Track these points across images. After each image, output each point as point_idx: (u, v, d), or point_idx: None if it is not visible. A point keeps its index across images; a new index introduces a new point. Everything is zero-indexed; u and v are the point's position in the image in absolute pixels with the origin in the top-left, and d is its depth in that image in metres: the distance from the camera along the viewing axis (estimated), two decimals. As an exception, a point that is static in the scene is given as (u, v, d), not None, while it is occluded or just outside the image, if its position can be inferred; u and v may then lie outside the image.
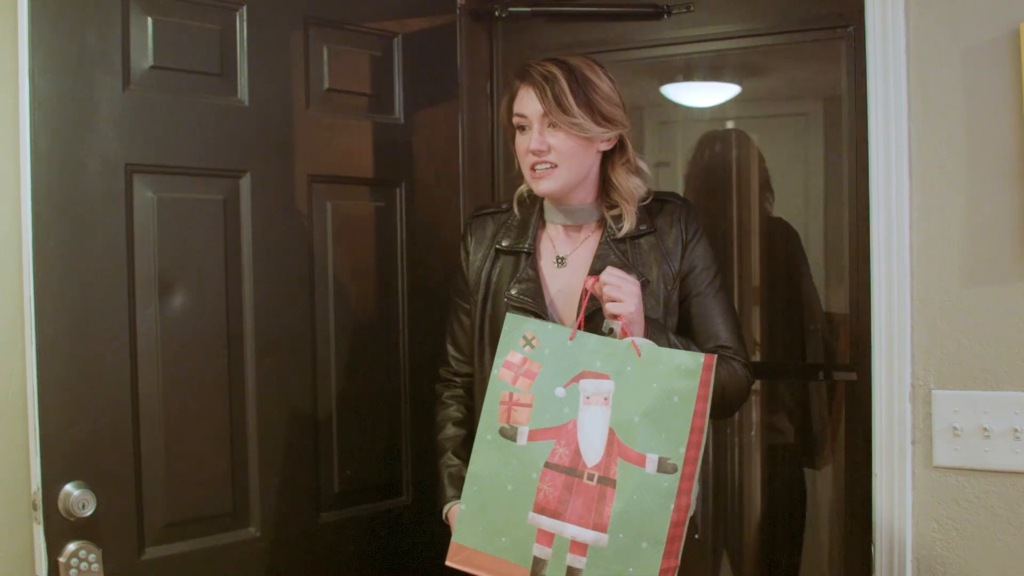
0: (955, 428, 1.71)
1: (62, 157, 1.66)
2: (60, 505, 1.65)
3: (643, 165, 1.80)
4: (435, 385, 1.94)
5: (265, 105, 1.92)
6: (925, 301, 1.74)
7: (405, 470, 2.15)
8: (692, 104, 2.52)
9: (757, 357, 2.39)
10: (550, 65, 1.70)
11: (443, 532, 2.07)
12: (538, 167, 1.70)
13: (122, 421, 1.73)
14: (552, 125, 1.68)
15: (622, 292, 1.59)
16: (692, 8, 2.18)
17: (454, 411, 1.88)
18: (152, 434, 1.77)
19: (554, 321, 1.71)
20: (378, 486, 2.12)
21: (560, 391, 1.56)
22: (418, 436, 2.15)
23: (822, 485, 2.27)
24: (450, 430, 1.87)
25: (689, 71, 2.45)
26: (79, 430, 1.68)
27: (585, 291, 1.61)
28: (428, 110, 2.21)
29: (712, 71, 2.41)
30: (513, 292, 1.75)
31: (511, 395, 1.57)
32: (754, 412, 2.51)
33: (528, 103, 1.70)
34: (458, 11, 2.27)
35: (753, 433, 2.49)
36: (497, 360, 1.60)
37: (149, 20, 1.77)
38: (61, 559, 1.64)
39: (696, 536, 1.73)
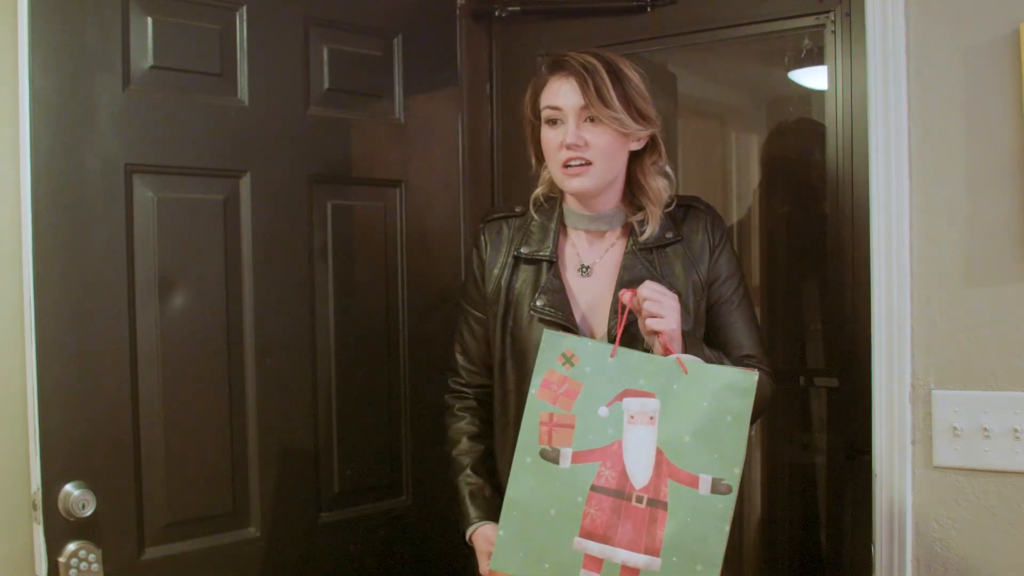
0: (955, 428, 1.71)
1: (62, 157, 1.66)
2: (60, 505, 1.65)
3: (669, 170, 1.74)
4: (445, 396, 1.85)
5: (265, 105, 1.92)
6: (925, 301, 1.74)
7: (405, 470, 2.15)
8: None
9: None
10: (587, 56, 1.62)
11: (443, 532, 2.08)
12: (572, 163, 1.61)
13: (122, 421, 1.73)
14: (590, 119, 1.60)
15: (663, 307, 1.52)
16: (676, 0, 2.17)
17: (467, 424, 1.79)
18: (152, 434, 1.77)
19: (583, 334, 1.64)
20: (378, 486, 2.12)
21: (603, 411, 1.49)
22: (418, 436, 2.15)
23: (822, 485, 2.27)
24: (465, 444, 1.78)
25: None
26: (79, 430, 1.68)
27: (623, 305, 1.54)
28: (428, 110, 2.21)
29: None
30: (539, 303, 1.67)
31: (551, 416, 1.50)
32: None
33: (565, 94, 1.61)
34: (458, 11, 2.27)
35: (753, 433, 2.49)
36: (535, 379, 1.53)
37: (149, 20, 1.77)
38: (61, 559, 1.64)
39: None
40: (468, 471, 1.75)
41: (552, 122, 1.64)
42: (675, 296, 1.56)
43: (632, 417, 1.49)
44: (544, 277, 1.69)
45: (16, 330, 1.67)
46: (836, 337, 2.00)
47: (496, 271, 1.74)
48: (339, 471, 2.04)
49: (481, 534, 1.68)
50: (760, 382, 1.60)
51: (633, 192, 1.71)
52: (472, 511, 1.71)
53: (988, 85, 1.68)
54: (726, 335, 1.71)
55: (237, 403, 1.89)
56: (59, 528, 1.65)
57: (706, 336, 1.71)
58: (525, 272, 1.72)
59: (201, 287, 1.84)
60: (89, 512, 1.66)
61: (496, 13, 2.32)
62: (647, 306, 1.53)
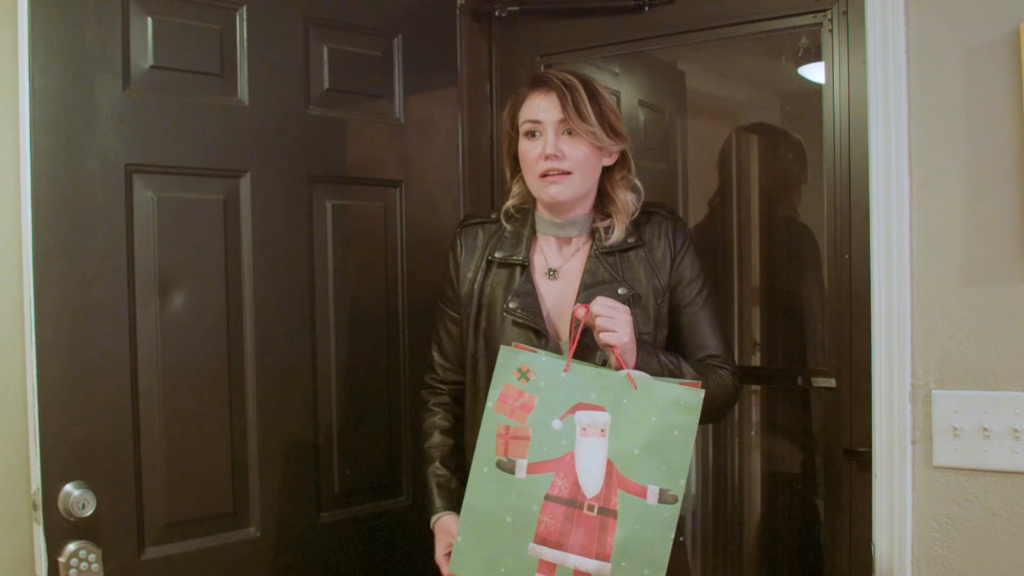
0: (955, 428, 1.71)
1: (62, 157, 1.66)
2: (60, 505, 1.65)
3: (638, 183, 1.82)
4: (420, 391, 1.92)
5: (265, 105, 1.92)
6: (925, 301, 1.74)
7: (405, 470, 2.15)
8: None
9: (756, 361, 2.39)
10: (565, 74, 1.72)
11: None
12: (551, 172, 1.69)
13: (122, 421, 1.73)
14: (569, 132, 1.69)
15: (615, 322, 1.59)
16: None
17: (440, 419, 1.86)
18: (152, 434, 1.77)
19: (550, 335, 1.72)
20: (378, 486, 2.12)
21: (557, 423, 1.57)
22: (418, 436, 2.14)
23: (821, 485, 2.27)
24: (437, 438, 1.85)
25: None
26: (79, 430, 1.68)
27: (577, 320, 1.61)
28: (428, 110, 2.21)
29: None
30: (512, 306, 1.74)
31: (508, 428, 1.58)
32: (754, 412, 2.51)
33: (545, 108, 1.70)
34: (458, 11, 2.27)
35: (753, 433, 2.49)
36: (492, 392, 1.60)
37: (149, 20, 1.77)
38: (61, 559, 1.64)
39: (681, 539, 1.75)
40: (437, 463, 1.83)
41: (531, 135, 1.73)
42: (627, 310, 1.63)
43: (584, 429, 1.57)
44: (517, 281, 1.77)
45: (16, 330, 1.67)
46: (836, 337, 1.99)
47: (470, 274, 1.82)
48: (339, 471, 2.04)
49: (442, 524, 1.76)
50: (723, 382, 1.73)
51: (603, 203, 1.80)
52: (437, 501, 1.79)
53: (988, 85, 1.68)
54: (690, 336, 1.78)
55: (237, 403, 1.89)
56: (59, 528, 1.65)
57: (671, 337, 1.79)
58: (498, 275, 1.80)
59: (201, 287, 1.84)
60: (89, 512, 1.66)
61: (496, 13, 2.32)
62: (599, 322, 1.60)
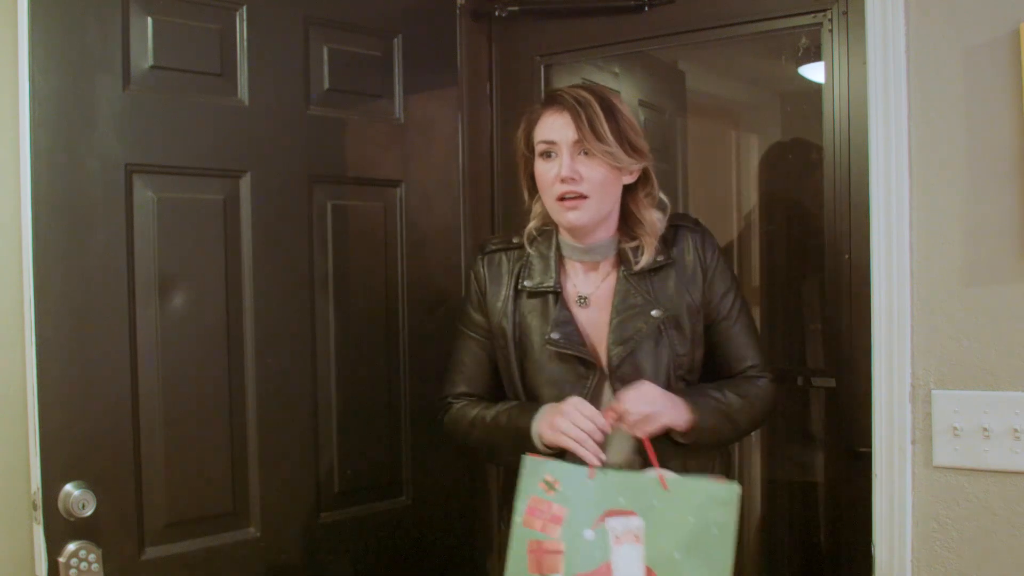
0: (955, 428, 1.71)
1: (62, 157, 1.66)
2: (60, 505, 1.65)
3: (664, 198, 1.75)
4: (441, 418, 1.82)
5: (265, 105, 1.92)
6: (925, 301, 1.74)
7: (405, 470, 2.15)
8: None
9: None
10: (580, 91, 1.65)
11: (443, 532, 2.08)
12: (568, 196, 1.63)
13: (122, 421, 1.73)
14: (585, 153, 1.62)
15: (648, 421, 1.56)
16: None
17: (470, 404, 1.77)
18: (152, 434, 1.77)
19: (596, 366, 1.66)
20: (378, 486, 2.12)
21: (589, 533, 1.49)
22: (418, 436, 2.15)
23: (821, 485, 2.27)
24: (476, 409, 1.74)
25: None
26: (79, 430, 1.68)
27: (612, 425, 1.56)
28: (428, 110, 2.21)
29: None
30: (555, 336, 1.67)
31: (539, 543, 1.50)
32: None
33: (559, 128, 1.63)
34: (458, 11, 2.27)
35: (753, 433, 2.49)
36: (518, 506, 1.54)
37: (149, 20, 1.77)
38: (61, 559, 1.64)
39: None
40: (494, 409, 1.72)
41: (546, 155, 1.66)
42: (657, 394, 1.59)
43: (618, 537, 1.50)
44: (553, 309, 1.70)
45: (16, 330, 1.67)
46: (835, 337, 1.99)
47: (499, 304, 1.76)
48: (339, 471, 2.04)
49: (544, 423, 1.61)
50: (764, 394, 1.71)
51: (628, 224, 1.73)
52: (523, 415, 1.66)
53: (988, 85, 1.68)
54: (728, 350, 1.75)
55: (237, 403, 1.89)
56: (59, 528, 1.65)
57: (708, 350, 1.75)
58: (530, 304, 1.73)
59: (201, 287, 1.84)
60: (89, 512, 1.66)
61: (496, 13, 2.32)
62: (630, 419, 1.56)
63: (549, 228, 1.76)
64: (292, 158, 1.97)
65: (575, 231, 1.70)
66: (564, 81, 2.37)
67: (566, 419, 1.57)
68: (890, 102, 1.75)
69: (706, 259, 1.73)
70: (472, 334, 1.81)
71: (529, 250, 1.76)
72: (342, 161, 2.07)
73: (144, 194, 1.77)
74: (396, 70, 2.14)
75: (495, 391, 1.81)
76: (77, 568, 1.65)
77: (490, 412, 1.73)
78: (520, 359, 1.73)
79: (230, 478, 1.88)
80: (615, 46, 2.29)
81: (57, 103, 1.66)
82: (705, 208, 2.55)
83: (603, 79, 2.46)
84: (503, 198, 2.34)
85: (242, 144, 1.89)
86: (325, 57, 2.02)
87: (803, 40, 2.12)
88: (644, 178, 1.72)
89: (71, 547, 1.65)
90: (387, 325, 2.13)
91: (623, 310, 1.67)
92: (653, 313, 1.66)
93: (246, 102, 1.90)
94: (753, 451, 2.51)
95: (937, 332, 1.73)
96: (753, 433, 2.47)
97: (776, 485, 2.51)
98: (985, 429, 1.69)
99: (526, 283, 1.73)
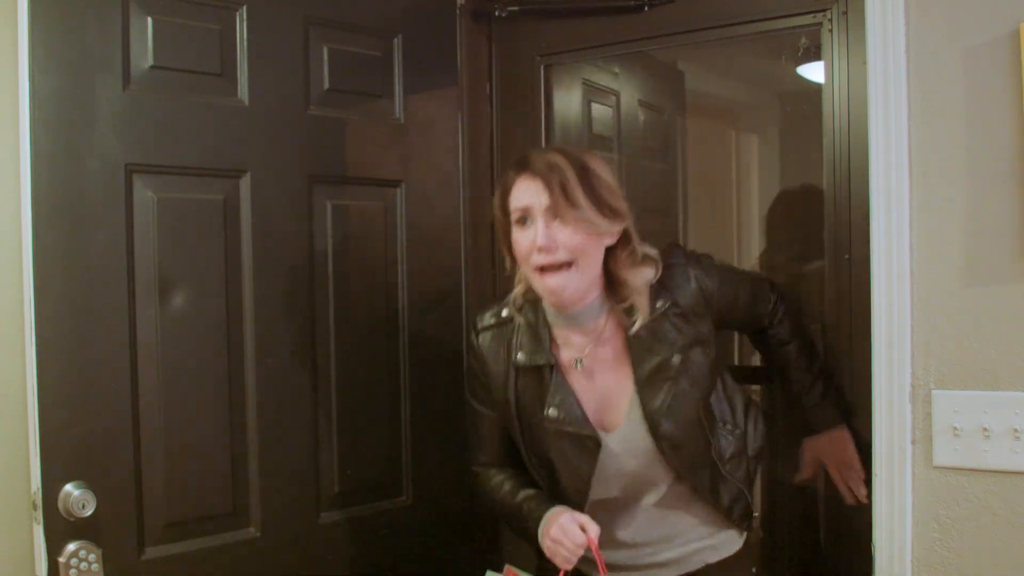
0: (955, 428, 1.71)
1: (62, 157, 1.66)
2: (60, 505, 1.65)
3: (650, 251, 1.69)
4: (473, 484, 1.85)
5: (265, 105, 1.92)
6: (925, 301, 1.74)
7: (405, 470, 2.15)
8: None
9: (756, 361, 2.39)
10: (552, 155, 1.59)
11: (443, 532, 2.08)
12: (547, 267, 1.57)
13: (122, 421, 1.73)
14: (559, 219, 1.56)
15: (852, 465, 1.81)
16: None
17: (506, 479, 1.78)
18: (152, 434, 1.77)
19: (600, 441, 1.65)
20: (378, 486, 2.12)
21: None
22: (418, 436, 2.15)
23: (821, 485, 2.27)
24: (508, 485, 1.76)
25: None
26: (79, 430, 1.68)
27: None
28: (428, 110, 2.21)
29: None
30: (551, 414, 1.64)
31: None
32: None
33: (531, 195, 1.57)
34: (458, 11, 2.26)
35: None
36: None
37: (149, 20, 1.77)
38: (61, 559, 1.64)
39: (754, 571, 1.85)
40: (521, 491, 1.74)
41: (522, 222, 1.60)
42: (842, 441, 1.82)
43: None
44: (548, 384, 1.67)
45: (16, 330, 1.67)
46: (835, 337, 1.99)
47: (500, 381, 1.73)
48: (339, 471, 2.04)
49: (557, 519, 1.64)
50: (790, 320, 1.90)
51: (614, 286, 1.67)
52: (537, 510, 1.68)
53: (988, 85, 1.68)
54: (750, 308, 1.85)
55: (237, 403, 1.89)
56: (59, 528, 1.65)
57: (737, 316, 1.83)
58: (526, 380, 1.70)
59: (201, 287, 1.84)
60: (89, 512, 1.66)
61: (496, 13, 2.32)
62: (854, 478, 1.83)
63: (534, 296, 1.70)
64: (292, 158, 1.97)
65: (559, 303, 1.64)
66: (564, 81, 2.37)
67: (557, 545, 1.61)
68: (890, 102, 1.75)
69: (705, 283, 1.70)
70: (481, 408, 1.80)
71: (519, 320, 1.71)
72: (342, 161, 2.07)
73: (144, 194, 1.77)
74: (396, 70, 2.14)
75: (517, 456, 1.80)
76: (77, 568, 1.65)
77: (515, 498, 1.74)
78: (526, 433, 1.72)
79: (230, 478, 1.88)
80: (615, 46, 2.29)
81: (57, 103, 1.66)
82: (705, 208, 2.55)
83: (603, 79, 2.47)
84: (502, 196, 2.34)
85: (242, 144, 1.89)
86: (325, 57, 2.02)
87: (803, 40, 2.11)
88: (625, 238, 1.65)
89: (71, 547, 1.65)
90: (387, 325, 2.13)
91: (653, 373, 1.64)
92: (674, 360, 1.65)
93: (246, 102, 1.90)
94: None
95: (937, 332, 1.73)
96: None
97: (776, 485, 2.50)
98: (985, 429, 1.69)
99: (519, 358, 1.69)
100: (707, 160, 2.63)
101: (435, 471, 2.16)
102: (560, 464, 1.70)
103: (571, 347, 1.70)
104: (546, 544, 1.63)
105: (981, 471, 1.70)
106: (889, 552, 1.77)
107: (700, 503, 1.76)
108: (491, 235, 2.33)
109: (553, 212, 1.56)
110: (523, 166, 1.61)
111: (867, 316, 1.81)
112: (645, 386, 1.66)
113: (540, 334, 1.69)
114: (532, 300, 1.72)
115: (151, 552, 1.77)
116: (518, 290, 1.73)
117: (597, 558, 1.60)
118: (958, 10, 1.70)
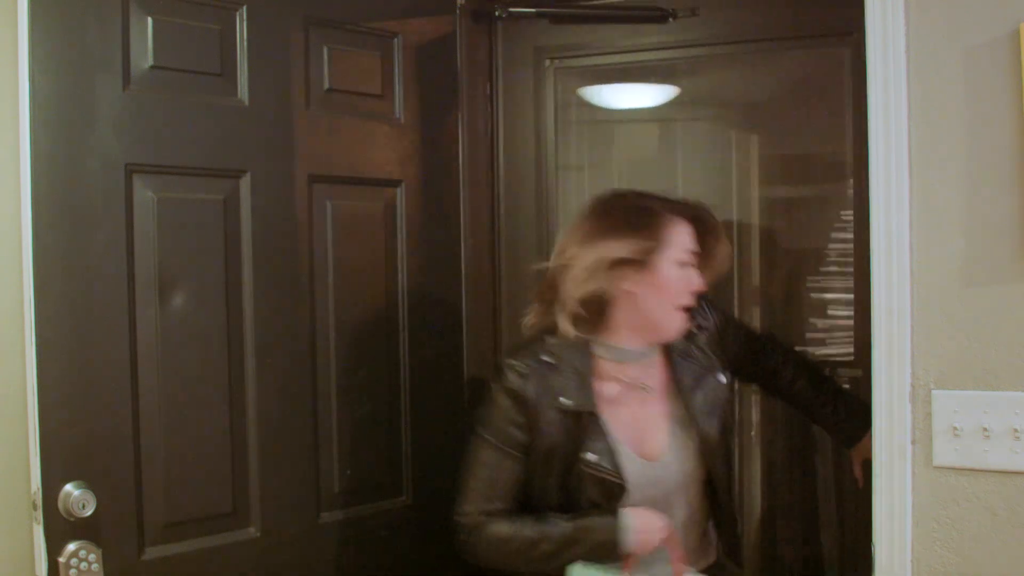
0: (955, 428, 1.71)
1: (62, 157, 1.66)
2: (60, 505, 1.65)
3: None
4: (469, 536, 1.80)
5: (265, 105, 1.92)
6: (925, 301, 1.74)
7: (405, 470, 2.15)
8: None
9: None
10: (697, 206, 1.81)
11: (443, 532, 2.07)
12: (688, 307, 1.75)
13: (122, 421, 1.73)
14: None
15: None
16: (698, 12, 2.16)
17: (503, 520, 1.77)
18: (152, 434, 1.77)
19: (629, 490, 1.71)
20: (378, 486, 2.12)
21: None
22: (418, 436, 2.15)
23: (822, 483, 2.27)
24: (513, 525, 1.76)
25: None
26: (79, 430, 1.68)
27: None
28: (428, 110, 2.21)
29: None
30: (590, 458, 1.71)
31: None
32: (754, 412, 2.51)
33: (694, 243, 1.76)
34: (458, 11, 2.26)
35: (753, 433, 2.49)
36: None
37: (149, 20, 1.77)
38: (61, 559, 1.64)
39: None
40: (554, 516, 1.74)
41: (682, 264, 1.74)
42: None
43: None
44: (587, 426, 1.73)
45: (16, 330, 1.67)
46: (835, 337, 1.99)
47: (544, 427, 1.74)
48: (339, 471, 2.04)
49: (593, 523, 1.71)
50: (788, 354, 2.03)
51: None
52: (569, 525, 1.71)
53: (988, 85, 1.67)
54: (758, 344, 2.00)
55: (237, 403, 1.89)
56: (59, 528, 1.65)
57: (746, 349, 1.95)
58: (567, 422, 1.74)
59: (201, 287, 1.84)
60: (89, 512, 1.66)
61: (496, 13, 2.32)
62: None
63: (576, 339, 1.75)
64: (292, 158, 1.97)
65: (676, 337, 1.78)
66: (564, 81, 2.37)
67: (643, 534, 1.67)
68: (890, 102, 1.75)
69: (722, 318, 1.90)
70: (507, 450, 1.78)
71: (560, 364, 1.76)
72: (342, 161, 2.06)
73: (144, 194, 1.77)
74: (396, 70, 2.14)
75: (519, 503, 1.81)
76: (77, 568, 1.65)
77: (557, 526, 1.72)
78: (554, 476, 1.75)
79: (230, 478, 1.88)
80: (614, 53, 2.29)
81: (57, 103, 1.66)
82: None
83: (602, 79, 2.47)
84: (503, 198, 2.34)
85: (242, 144, 1.89)
86: (325, 57, 2.02)
87: (816, 54, 2.12)
88: None
89: (71, 547, 1.65)
90: (387, 325, 2.13)
91: (712, 402, 1.79)
92: (720, 378, 1.81)
93: (246, 102, 1.90)
94: (753, 450, 2.51)
95: (937, 332, 1.73)
96: (752, 433, 2.48)
97: (776, 485, 2.51)
98: (985, 429, 1.69)
99: (565, 401, 1.74)
100: (707, 160, 2.63)
101: (435, 471, 2.16)
102: (585, 505, 1.74)
103: (624, 380, 1.78)
104: (631, 539, 1.67)
105: (981, 471, 1.70)
106: (889, 552, 1.77)
107: (697, 532, 1.84)
108: (491, 235, 2.34)
109: (695, 259, 1.75)
110: (681, 211, 1.76)
111: (867, 316, 1.81)
112: (696, 412, 1.77)
113: (585, 380, 1.75)
114: (574, 344, 1.76)
115: (151, 552, 1.77)
116: (554, 340, 1.77)
117: (673, 549, 1.66)
118: (958, 10, 1.69)
